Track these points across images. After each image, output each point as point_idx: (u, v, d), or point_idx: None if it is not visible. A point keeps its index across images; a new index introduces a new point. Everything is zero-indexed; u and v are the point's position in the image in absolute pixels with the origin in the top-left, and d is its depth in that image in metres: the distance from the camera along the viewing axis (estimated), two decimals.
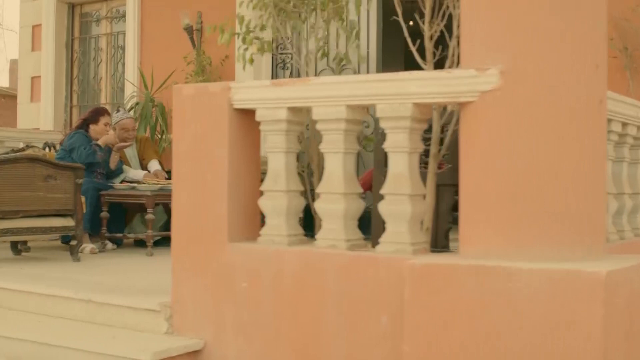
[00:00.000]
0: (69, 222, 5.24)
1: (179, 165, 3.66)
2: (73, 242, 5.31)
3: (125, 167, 6.55)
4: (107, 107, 8.89)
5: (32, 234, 5.16)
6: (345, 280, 3.18)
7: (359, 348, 3.15)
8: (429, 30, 3.57)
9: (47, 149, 6.68)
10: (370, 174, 4.24)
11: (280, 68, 7.75)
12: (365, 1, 7.12)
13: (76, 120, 8.74)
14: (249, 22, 4.00)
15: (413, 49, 3.58)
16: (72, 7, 9.16)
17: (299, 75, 7.59)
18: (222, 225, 3.51)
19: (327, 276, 3.22)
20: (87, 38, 9.15)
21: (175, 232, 3.67)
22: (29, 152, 6.17)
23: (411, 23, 3.83)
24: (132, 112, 7.50)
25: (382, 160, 3.98)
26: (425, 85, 3.03)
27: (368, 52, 7.14)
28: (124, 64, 8.76)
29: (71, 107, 9.19)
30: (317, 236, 3.33)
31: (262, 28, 3.92)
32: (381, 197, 3.18)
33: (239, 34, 4.01)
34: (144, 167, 6.74)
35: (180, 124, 3.66)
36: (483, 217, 2.96)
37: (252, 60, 4.04)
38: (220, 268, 3.51)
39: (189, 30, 7.81)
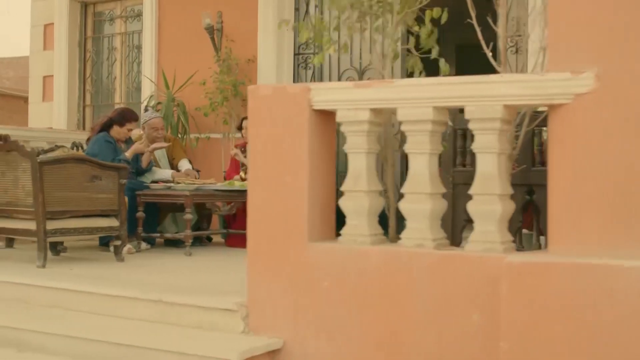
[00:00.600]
0: (114, 222, 5.24)
1: (255, 165, 3.68)
2: (117, 242, 5.31)
3: (153, 167, 6.54)
4: (121, 107, 8.90)
5: (79, 234, 5.15)
6: (434, 279, 3.23)
7: (449, 345, 3.20)
8: (503, 33, 3.63)
9: (75, 149, 6.63)
10: None
11: (302, 68, 7.77)
12: None
13: (90, 117, 8.78)
14: (325, 23, 4.01)
15: (487, 52, 3.64)
16: (84, 6, 9.11)
17: (321, 76, 7.64)
18: (301, 226, 3.54)
19: (415, 275, 3.27)
20: (100, 37, 9.10)
21: (251, 232, 3.70)
22: (58, 152, 6.14)
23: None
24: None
25: (449, 161, 4.03)
26: (516, 87, 3.09)
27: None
28: (139, 64, 8.73)
29: (84, 107, 9.13)
30: (402, 235, 3.38)
31: (336, 28, 3.95)
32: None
33: (311, 37, 4.02)
34: (174, 166, 6.74)
35: (256, 124, 3.69)
36: (575, 217, 3.03)
37: (322, 59, 4.06)
38: (300, 267, 3.54)
39: (209, 30, 7.80)
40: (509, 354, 2.97)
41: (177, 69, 8.03)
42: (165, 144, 6.45)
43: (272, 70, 7.63)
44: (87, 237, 5.70)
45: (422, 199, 3.32)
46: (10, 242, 6.07)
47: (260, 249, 3.66)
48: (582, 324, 2.85)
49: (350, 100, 3.45)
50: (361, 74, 7.42)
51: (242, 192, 6.23)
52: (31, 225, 4.91)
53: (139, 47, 8.74)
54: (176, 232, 6.40)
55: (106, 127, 6.24)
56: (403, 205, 3.36)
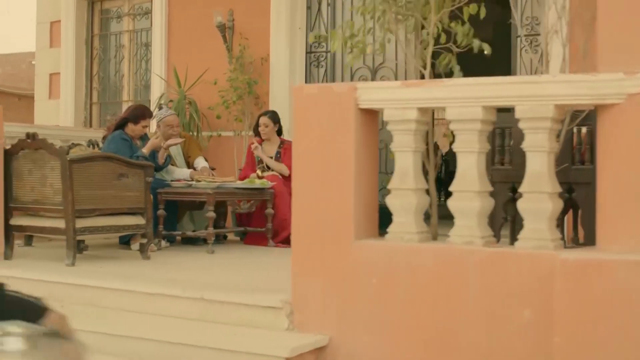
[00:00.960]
0: (140, 220, 5.24)
1: (300, 164, 3.71)
2: (142, 240, 5.31)
3: (170, 167, 6.53)
4: (135, 104, 8.88)
5: (106, 232, 5.16)
6: (485, 276, 3.27)
7: (500, 341, 3.24)
8: (546, 33, 3.68)
9: (91, 147, 6.62)
10: None
11: (315, 66, 7.80)
12: None
13: (97, 114, 8.78)
14: (360, 27, 4.03)
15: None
16: (91, 3, 9.08)
17: (333, 74, 7.67)
18: (348, 224, 3.57)
19: (466, 272, 3.31)
20: (107, 35, 9.07)
21: (295, 231, 3.73)
22: (75, 150, 6.12)
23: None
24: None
25: (488, 159, 4.07)
26: (568, 87, 3.14)
27: (406, 60, 7.22)
28: (147, 61, 8.72)
29: (91, 105, 9.11)
30: (450, 233, 3.42)
31: (368, 31, 3.98)
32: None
33: (347, 40, 4.04)
34: (190, 164, 6.74)
35: (301, 123, 3.72)
36: (626, 214, 3.09)
37: (357, 59, 4.08)
38: (347, 265, 3.57)
39: (221, 28, 7.81)
40: (563, 350, 3.02)
41: (188, 67, 8.03)
42: (180, 140, 6.42)
43: (285, 68, 7.65)
44: (110, 235, 5.70)
45: (470, 197, 3.37)
46: (29, 240, 6.06)
47: (305, 247, 3.68)
48: (635, 320, 2.91)
49: (398, 99, 3.49)
50: (374, 73, 7.46)
51: (262, 190, 6.27)
52: (59, 224, 4.90)
53: (147, 45, 8.73)
54: (193, 230, 6.42)
55: (121, 125, 6.21)
56: (452, 203, 3.41)
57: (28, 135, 5.01)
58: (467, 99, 3.33)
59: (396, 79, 7.32)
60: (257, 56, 7.69)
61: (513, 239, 3.86)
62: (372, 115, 3.67)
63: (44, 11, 9.24)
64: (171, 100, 7.76)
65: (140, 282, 4.27)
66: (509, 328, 3.23)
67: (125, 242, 6.01)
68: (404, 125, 3.51)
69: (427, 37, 3.76)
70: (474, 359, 3.30)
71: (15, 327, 1.64)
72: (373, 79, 7.44)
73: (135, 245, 5.89)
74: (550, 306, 3.09)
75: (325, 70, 7.73)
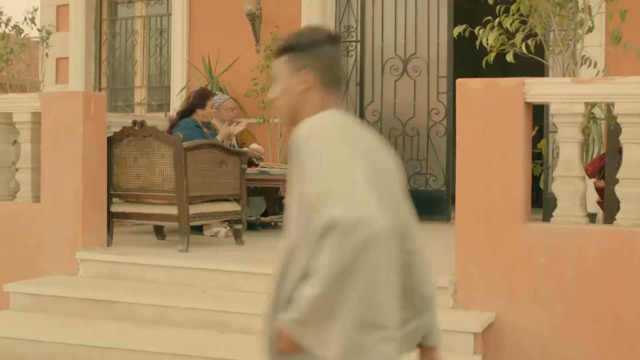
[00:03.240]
0: (237, 206, 5.36)
1: (464, 153, 3.97)
2: (238, 226, 5.42)
3: None
4: (144, 90, 8.86)
5: (211, 219, 5.26)
6: None
7: None
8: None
9: None
10: (600, 161, 4.69)
11: (344, 55, 8.01)
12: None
13: (106, 100, 8.68)
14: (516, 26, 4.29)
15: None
16: None
17: (363, 64, 7.90)
18: (517, 208, 3.87)
19: (635, 251, 3.67)
20: (117, 20, 8.97)
21: (460, 216, 3.99)
22: None
23: None
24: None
25: (616, 149, 4.44)
26: None
27: (439, 51, 7.57)
28: (161, 48, 8.70)
29: (100, 90, 8.98)
30: (617, 216, 3.77)
31: (519, 30, 4.25)
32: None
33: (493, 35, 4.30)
34: None
35: (465, 115, 3.98)
36: None
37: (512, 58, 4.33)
38: (515, 246, 3.87)
39: (251, 16, 7.90)
40: None
41: (212, 53, 8.07)
42: (244, 124, 6.49)
43: None
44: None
45: (638, 183, 3.73)
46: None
47: (470, 230, 3.95)
48: None
49: (567, 94, 3.80)
50: (405, 63, 7.75)
51: None
52: (170, 210, 4.96)
53: (161, 31, 8.70)
54: (249, 216, 6.54)
55: (188, 114, 6.20)
56: (618, 189, 3.76)
57: (135, 122, 5.03)
58: (637, 95, 3.68)
59: (428, 70, 7.64)
60: None
61: None
62: (530, 108, 3.97)
63: None
64: (202, 87, 7.80)
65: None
66: None
67: (197, 227, 6.07)
68: (571, 118, 3.83)
69: (579, 34, 4.06)
70: None
71: None
72: (405, 69, 7.74)
73: (209, 232, 5.98)
74: None
75: (355, 60, 7.96)
